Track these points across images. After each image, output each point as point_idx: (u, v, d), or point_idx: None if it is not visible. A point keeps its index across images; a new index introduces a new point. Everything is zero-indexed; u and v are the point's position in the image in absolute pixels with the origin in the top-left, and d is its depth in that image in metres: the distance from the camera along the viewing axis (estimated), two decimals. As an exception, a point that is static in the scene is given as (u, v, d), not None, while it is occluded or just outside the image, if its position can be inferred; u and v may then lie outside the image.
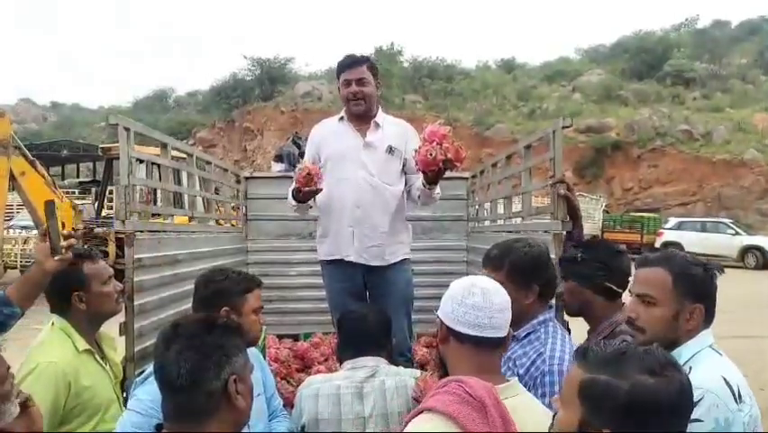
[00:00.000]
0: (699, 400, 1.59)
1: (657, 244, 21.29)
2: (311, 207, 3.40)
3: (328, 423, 2.34)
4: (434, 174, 2.93)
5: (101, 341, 2.48)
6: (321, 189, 3.16)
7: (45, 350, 2.22)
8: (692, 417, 1.54)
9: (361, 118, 3.38)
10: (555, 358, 2.02)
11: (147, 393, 1.99)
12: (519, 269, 2.18)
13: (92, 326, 2.39)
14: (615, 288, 2.42)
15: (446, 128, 2.88)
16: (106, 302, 2.37)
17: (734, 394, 1.65)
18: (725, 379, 1.68)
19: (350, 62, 3.34)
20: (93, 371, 2.29)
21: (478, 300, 1.70)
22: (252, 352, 2.51)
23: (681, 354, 1.76)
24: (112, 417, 2.25)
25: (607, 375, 1.25)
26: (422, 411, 1.56)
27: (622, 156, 29.80)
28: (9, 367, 1.69)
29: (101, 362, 2.38)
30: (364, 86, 3.32)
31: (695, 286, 1.81)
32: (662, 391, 1.22)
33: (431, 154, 2.80)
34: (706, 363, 1.75)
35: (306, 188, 3.11)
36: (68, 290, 2.30)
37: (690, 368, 1.70)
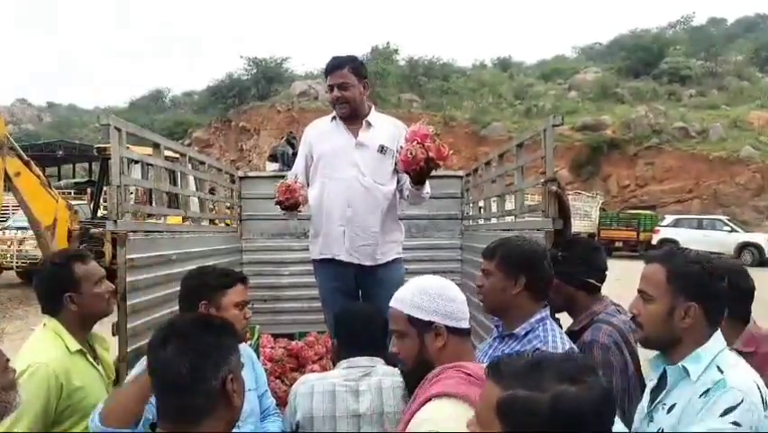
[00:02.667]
0: (738, 404, 1.60)
1: (654, 242, 21.32)
2: (300, 212, 3.42)
3: (323, 420, 2.34)
4: (416, 173, 2.93)
5: (93, 341, 2.47)
6: (300, 203, 3.25)
7: (37, 351, 2.22)
8: (731, 420, 1.59)
9: (353, 118, 3.38)
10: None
11: None
12: (508, 258, 2.24)
13: (84, 326, 2.38)
14: (594, 282, 2.61)
15: (429, 127, 2.87)
16: (98, 303, 2.37)
17: (763, 400, 1.64)
18: (756, 384, 1.66)
19: (331, 66, 3.34)
20: (85, 371, 2.29)
21: (455, 294, 1.94)
22: (243, 349, 2.53)
23: (701, 357, 1.73)
24: None
25: (525, 389, 1.18)
26: (429, 399, 1.60)
27: (618, 154, 29.83)
28: (8, 359, 1.70)
29: (93, 362, 2.38)
30: (346, 90, 3.31)
31: (690, 284, 1.76)
32: (584, 399, 1.16)
33: (411, 153, 2.80)
34: (738, 366, 1.73)
35: (287, 202, 3.20)
36: (59, 292, 2.29)
37: (718, 367, 1.70)
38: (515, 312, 2.21)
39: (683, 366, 1.73)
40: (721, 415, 1.60)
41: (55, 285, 2.30)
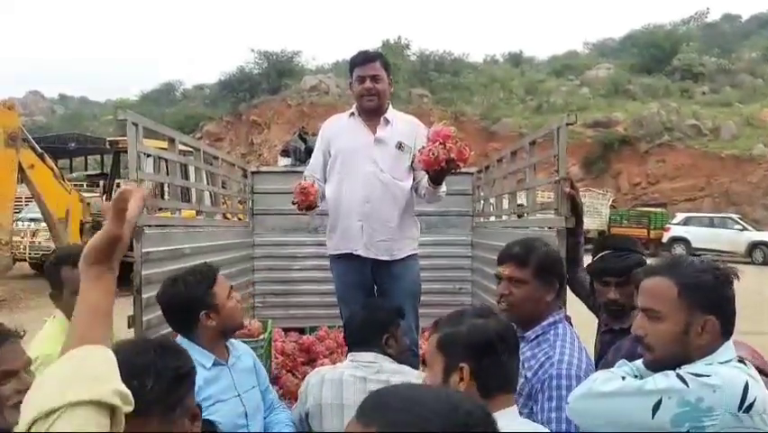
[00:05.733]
0: (705, 374, 1.52)
1: (664, 240, 21.28)
2: (318, 207, 3.45)
3: (331, 408, 2.39)
4: (436, 173, 2.97)
5: None
6: (315, 204, 3.28)
7: (44, 343, 2.30)
8: (684, 376, 1.53)
9: (372, 114, 3.40)
10: (564, 363, 2.01)
11: None
12: (545, 265, 2.17)
13: None
14: None
15: (451, 128, 2.91)
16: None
17: (743, 401, 1.50)
18: (747, 384, 1.52)
19: (363, 58, 3.36)
20: None
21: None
22: (244, 347, 2.58)
23: (697, 365, 1.60)
24: None
25: (451, 328, 1.68)
26: None
27: (629, 151, 29.69)
28: (30, 361, 1.75)
29: None
30: (378, 82, 3.33)
31: (705, 296, 1.61)
32: (490, 326, 1.66)
33: (433, 154, 2.83)
34: (736, 368, 1.58)
35: (303, 204, 3.23)
36: (57, 287, 2.40)
37: (710, 366, 1.58)
38: (541, 318, 2.16)
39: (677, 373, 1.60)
40: (676, 372, 1.55)
41: (52, 281, 2.42)
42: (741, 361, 1.64)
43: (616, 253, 2.68)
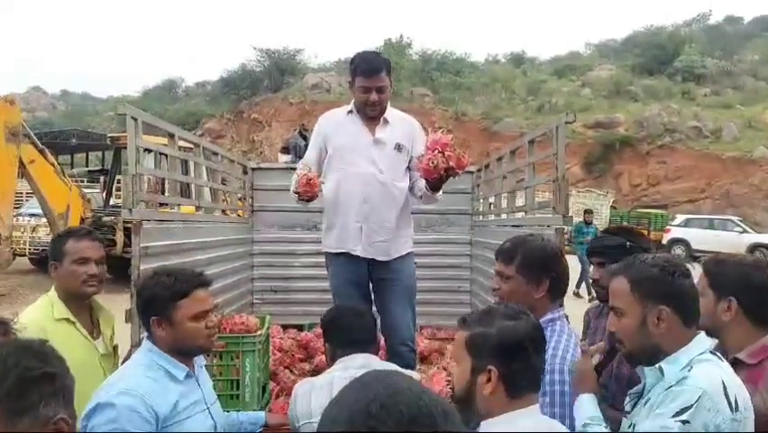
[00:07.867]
0: (693, 403, 1.57)
1: (664, 241, 21.24)
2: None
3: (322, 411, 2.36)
4: (435, 181, 3.00)
5: (99, 316, 2.61)
6: (317, 196, 3.24)
7: (26, 314, 2.37)
8: (681, 418, 1.56)
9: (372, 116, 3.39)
10: (558, 357, 2.04)
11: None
12: (530, 261, 2.19)
13: (68, 298, 2.48)
14: None
15: (449, 136, 2.94)
16: (71, 280, 2.46)
17: (729, 402, 1.58)
18: (724, 384, 1.61)
19: (370, 69, 3.25)
20: (67, 339, 2.33)
21: None
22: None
23: (679, 359, 1.69)
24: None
25: (481, 328, 1.65)
26: None
27: (630, 152, 29.69)
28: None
29: (85, 334, 2.48)
30: (383, 93, 3.28)
31: (652, 287, 1.73)
32: (521, 328, 1.64)
33: (433, 163, 2.87)
34: (709, 365, 1.66)
35: (305, 195, 3.19)
36: (49, 260, 2.49)
37: (692, 367, 1.65)
38: (533, 313, 2.18)
39: (660, 366, 1.70)
40: (673, 415, 1.58)
41: (49, 253, 2.53)
42: (713, 352, 1.72)
43: (601, 236, 2.71)
